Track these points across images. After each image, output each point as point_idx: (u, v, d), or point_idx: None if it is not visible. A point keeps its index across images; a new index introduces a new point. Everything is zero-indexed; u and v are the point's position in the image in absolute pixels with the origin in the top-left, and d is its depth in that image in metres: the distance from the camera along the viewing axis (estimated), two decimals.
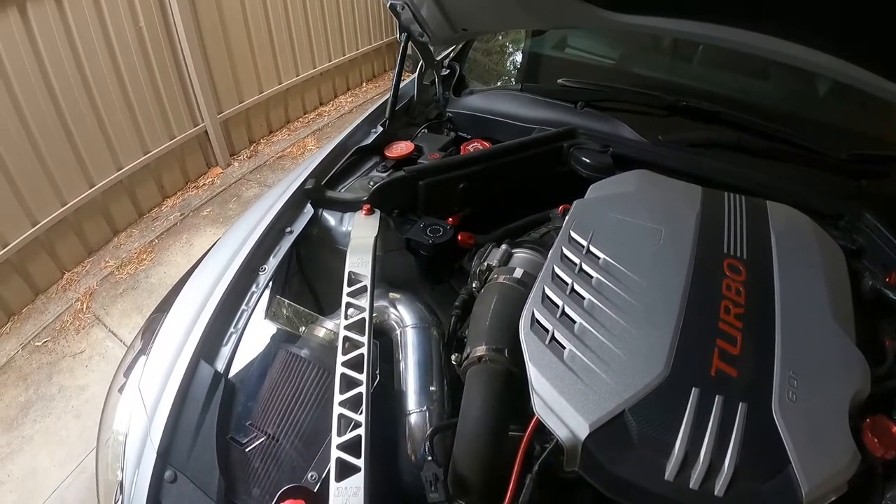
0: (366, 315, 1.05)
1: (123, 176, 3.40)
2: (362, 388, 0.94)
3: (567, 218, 1.15)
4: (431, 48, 1.80)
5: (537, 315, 0.91)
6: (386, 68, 6.55)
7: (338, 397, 0.93)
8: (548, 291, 0.95)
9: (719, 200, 1.17)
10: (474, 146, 1.69)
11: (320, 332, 1.15)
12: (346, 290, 1.11)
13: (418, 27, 1.59)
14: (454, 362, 1.01)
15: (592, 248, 1.02)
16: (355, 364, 0.98)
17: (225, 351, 1.12)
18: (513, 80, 2.53)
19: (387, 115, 1.70)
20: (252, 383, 1.11)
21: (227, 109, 4.18)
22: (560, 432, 0.77)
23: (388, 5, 1.52)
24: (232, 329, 1.15)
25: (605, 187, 1.27)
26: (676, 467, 0.72)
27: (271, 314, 1.20)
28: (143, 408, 1.05)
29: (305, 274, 1.41)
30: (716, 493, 0.70)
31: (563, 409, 0.78)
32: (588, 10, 1.30)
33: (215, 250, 1.35)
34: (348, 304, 1.08)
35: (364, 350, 0.99)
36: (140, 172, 3.54)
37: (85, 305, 2.97)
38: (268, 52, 4.46)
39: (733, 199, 1.17)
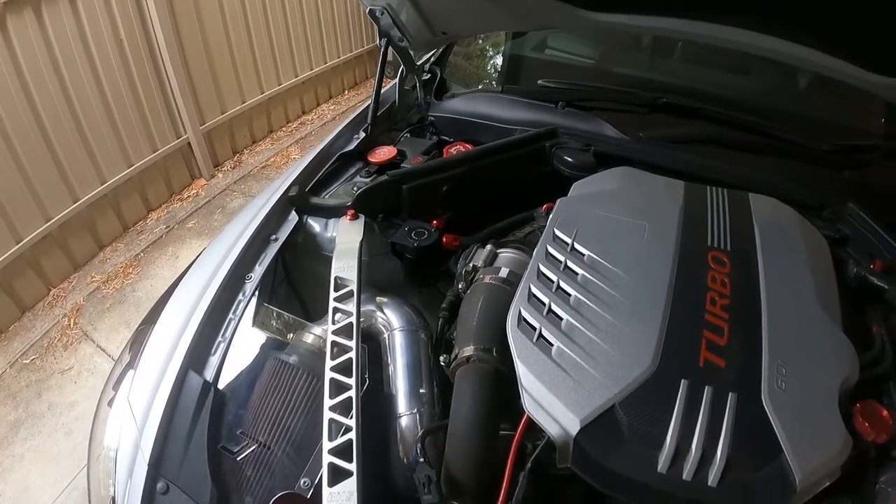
0: (353, 319, 1.05)
1: (108, 190, 3.37)
2: (352, 393, 0.94)
3: (551, 216, 1.14)
4: (412, 53, 1.81)
5: (524, 313, 0.90)
6: (367, 75, 6.55)
7: (328, 402, 0.93)
8: (534, 289, 0.95)
9: (702, 194, 1.18)
10: (457, 149, 1.70)
11: (308, 339, 1.16)
12: (332, 294, 1.11)
13: (398, 32, 1.60)
14: (443, 363, 1.02)
15: (577, 246, 1.03)
16: (344, 369, 0.98)
17: (213, 360, 1.12)
18: (493, 82, 2.54)
19: (368, 120, 1.71)
20: (242, 392, 1.10)
21: (209, 121, 4.16)
22: (551, 429, 0.78)
23: (367, 11, 1.53)
24: (220, 338, 1.15)
25: (589, 185, 1.28)
26: (669, 459, 0.72)
27: (259, 322, 1.21)
28: (133, 420, 1.04)
29: (291, 281, 1.41)
30: (709, 483, 0.70)
31: (552, 405, 0.78)
32: (566, 11, 1.31)
33: (201, 260, 1.35)
34: (335, 310, 1.09)
35: (352, 354, 1.00)
36: (124, 186, 3.52)
37: (72, 321, 2.95)
38: (249, 62, 4.45)
39: (716, 193, 1.18)
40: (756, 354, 0.82)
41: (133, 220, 3.70)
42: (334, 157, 1.61)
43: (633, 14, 1.28)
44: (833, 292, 0.98)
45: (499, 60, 2.57)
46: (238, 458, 0.98)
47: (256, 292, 1.23)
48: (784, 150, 1.51)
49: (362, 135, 1.70)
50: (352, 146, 1.65)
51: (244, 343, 1.17)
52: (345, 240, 1.26)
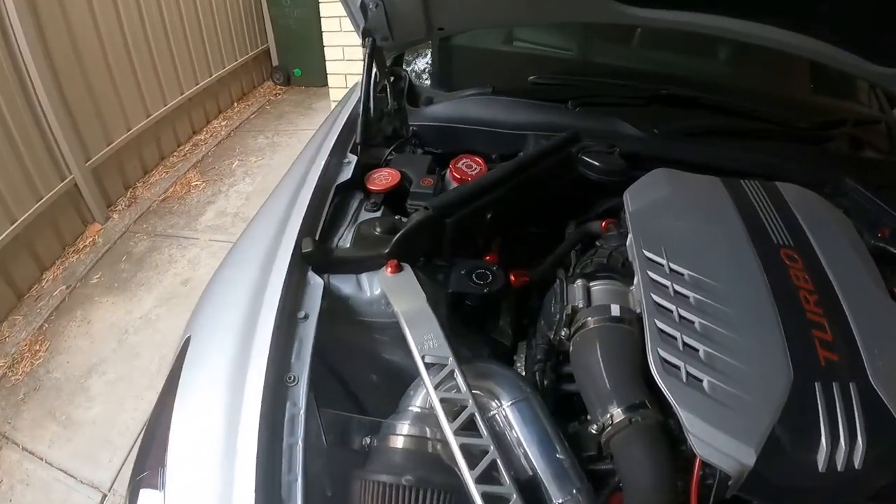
0: (474, 410, 0.83)
1: None
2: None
3: (631, 237, 1.07)
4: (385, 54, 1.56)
5: (663, 354, 0.85)
6: (254, 84, 6.13)
7: None
8: (660, 325, 0.89)
9: (741, 190, 1.19)
10: (465, 162, 1.47)
11: (398, 442, 0.90)
12: (428, 381, 0.87)
13: (385, 30, 1.35)
14: (594, 431, 0.87)
15: (672, 266, 0.99)
16: (489, 474, 0.78)
17: None
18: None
19: (357, 138, 1.43)
20: None
21: (95, 155, 3.63)
22: (725, 465, 0.76)
23: (358, 5, 1.26)
24: (288, 475, 0.82)
25: (641, 192, 1.21)
26: (826, 458, 0.76)
27: (332, 439, 0.92)
28: None
29: (327, 362, 1.11)
30: (857, 467, 0.75)
31: (723, 442, 0.78)
32: (604, 5, 1.27)
33: (192, 363, 0.96)
34: (443, 401, 0.85)
35: (495, 455, 0.79)
36: (10, 246, 2.95)
37: None
38: (131, 84, 3.94)
39: (752, 187, 1.20)
40: (853, 342, 0.87)
41: (27, 285, 3.13)
42: (332, 192, 1.32)
43: (667, 10, 1.29)
44: (873, 265, 1.06)
45: (420, 65, 2.32)
46: None
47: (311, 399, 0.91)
48: (775, 132, 1.60)
49: (353, 157, 1.41)
50: (347, 175, 1.36)
51: (317, 467, 0.88)
52: (403, 301, 1.00)
